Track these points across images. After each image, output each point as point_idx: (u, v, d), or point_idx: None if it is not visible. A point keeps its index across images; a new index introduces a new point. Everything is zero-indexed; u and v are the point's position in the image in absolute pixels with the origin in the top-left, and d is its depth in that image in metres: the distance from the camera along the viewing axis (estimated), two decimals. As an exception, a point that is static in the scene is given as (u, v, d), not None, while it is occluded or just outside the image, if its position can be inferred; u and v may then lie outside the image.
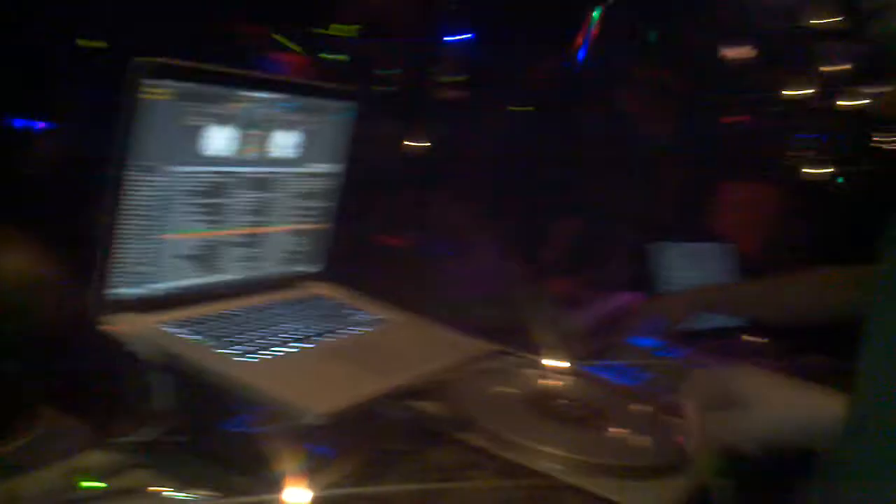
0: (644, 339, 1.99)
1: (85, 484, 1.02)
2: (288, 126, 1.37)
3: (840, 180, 5.33)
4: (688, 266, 2.29)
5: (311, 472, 1.10)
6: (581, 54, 3.77)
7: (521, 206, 3.14)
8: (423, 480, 1.14)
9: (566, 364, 1.70)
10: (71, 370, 1.20)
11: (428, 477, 1.15)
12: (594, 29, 3.73)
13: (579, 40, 3.77)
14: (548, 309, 2.08)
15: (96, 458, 1.09)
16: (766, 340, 2.16)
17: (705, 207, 3.79)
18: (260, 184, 1.35)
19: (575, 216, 3.09)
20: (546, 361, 1.68)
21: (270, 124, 1.34)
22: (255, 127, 1.31)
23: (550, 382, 1.63)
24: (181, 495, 1.01)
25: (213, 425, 1.17)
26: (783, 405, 1.08)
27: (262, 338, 1.22)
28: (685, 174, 4.05)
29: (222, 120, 1.24)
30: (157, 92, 1.12)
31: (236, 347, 1.16)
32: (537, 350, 1.72)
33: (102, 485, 1.01)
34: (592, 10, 3.29)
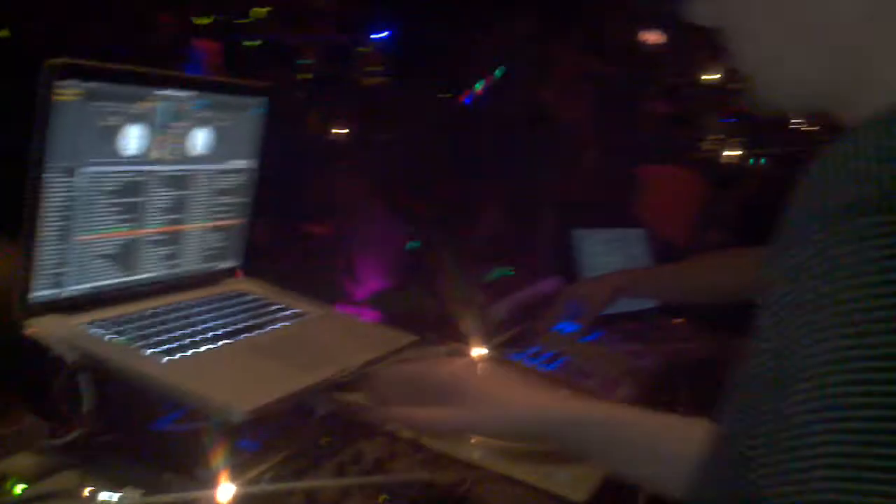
0: (565, 324, 2.03)
1: (15, 488, 1.01)
2: (202, 123, 1.38)
3: (754, 161, 5.47)
4: (608, 252, 2.34)
5: (240, 468, 1.11)
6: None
7: (444, 194, 3.17)
8: (352, 473, 1.15)
9: (487, 351, 1.73)
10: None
11: (356, 469, 1.17)
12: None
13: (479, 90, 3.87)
14: (471, 296, 2.11)
15: (26, 460, 1.09)
16: (681, 321, 2.23)
17: (626, 193, 3.86)
18: (176, 182, 1.36)
19: (497, 203, 3.13)
20: (468, 349, 1.71)
21: (184, 122, 1.34)
22: (169, 125, 1.31)
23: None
24: (112, 496, 1.01)
25: (141, 424, 1.17)
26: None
27: (185, 336, 1.23)
28: (605, 160, 4.12)
29: (136, 119, 1.25)
30: (69, 92, 1.12)
31: (159, 346, 1.17)
32: (459, 338, 1.75)
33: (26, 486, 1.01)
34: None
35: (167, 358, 1.15)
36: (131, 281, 1.31)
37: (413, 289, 2.18)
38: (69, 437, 1.10)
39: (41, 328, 1.14)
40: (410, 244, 3.04)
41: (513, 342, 1.88)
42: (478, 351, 1.71)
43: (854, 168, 0.58)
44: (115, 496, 1.00)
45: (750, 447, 0.55)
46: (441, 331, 1.80)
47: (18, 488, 1.01)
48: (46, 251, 1.15)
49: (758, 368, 0.58)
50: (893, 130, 0.59)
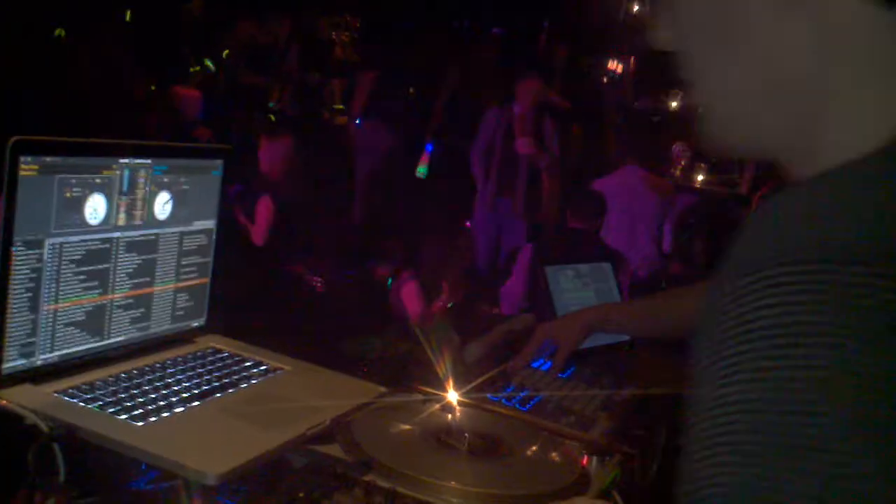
0: (539, 361, 2.04)
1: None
2: (163, 188, 1.40)
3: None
4: (580, 286, 2.36)
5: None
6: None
7: (415, 226, 3.19)
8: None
9: (464, 395, 1.74)
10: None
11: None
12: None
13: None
14: (444, 339, 2.12)
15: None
16: (654, 354, 2.25)
17: (593, 225, 3.90)
18: (142, 246, 1.38)
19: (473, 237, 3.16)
20: (444, 394, 1.72)
21: (146, 188, 1.36)
22: (131, 192, 1.33)
23: (449, 416, 1.67)
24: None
25: (117, 487, 1.18)
26: None
27: (158, 398, 1.24)
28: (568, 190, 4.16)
29: (98, 188, 1.27)
30: (30, 168, 1.14)
31: (133, 411, 1.18)
32: (434, 383, 1.76)
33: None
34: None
35: (140, 423, 1.16)
36: (102, 346, 1.32)
37: (392, 333, 2.19)
38: (48, 504, 1.11)
39: (13, 399, 1.14)
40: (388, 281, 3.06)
41: (490, 383, 1.89)
42: (453, 395, 1.72)
43: (775, 223, 0.61)
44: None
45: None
46: (419, 375, 1.81)
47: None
48: (16, 323, 1.17)
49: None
50: (822, 192, 0.62)
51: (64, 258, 1.22)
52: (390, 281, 2.84)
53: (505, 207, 5.53)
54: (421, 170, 5.93)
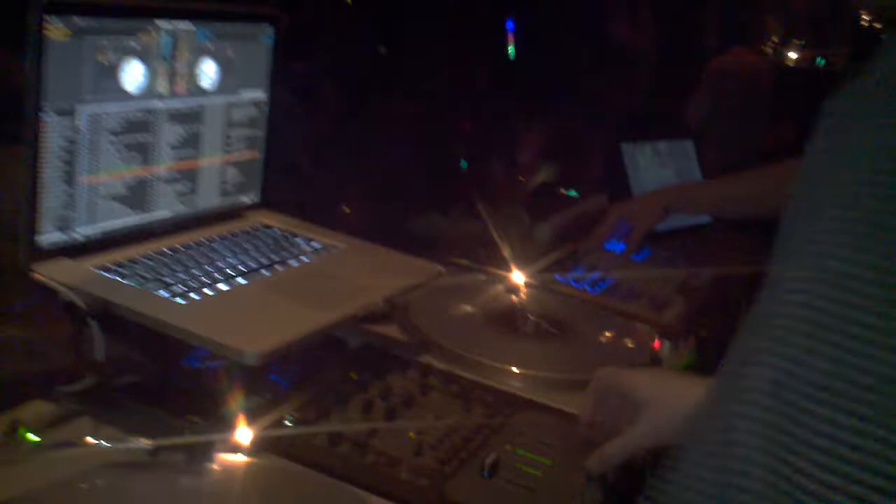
0: (614, 243, 1.96)
1: (28, 435, 0.99)
2: (206, 54, 1.32)
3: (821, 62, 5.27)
4: (658, 165, 2.25)
5: (265, 407, 1.08)
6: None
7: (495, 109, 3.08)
8: (379, 408, 1.11)
9: (530, 277, 1.67)
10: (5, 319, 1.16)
11: (384, 405, 1.13)
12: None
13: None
14: (513, 219, 2.05)
15: (38, 409, 1.06)
16: (738, 236, 2.14)
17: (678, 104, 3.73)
18: (185, 117, 1.31)
19: (548, 118, 3.03)
20: (510, 275, 1.66)
21: (188, 54, 1.28)
22: (171, 58, 1.25)
23: (514, 297, 1.60)
24: (125, 443, 0.98)
25: (158, 368, 1.14)
26: (675, 402, 0.98)
27: (202, 275, 1.19)
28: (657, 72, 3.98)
29: (135, 54, 1.19)
30: (59, 29, 1.07)
31: (174, 288, 1.14)
32: (502, 264, 1.69)
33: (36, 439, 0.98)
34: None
35: (181, 300, 1.11)
36: (146, 221, 1.27)
37: (454, 211, 2.11)
38: (81, 385, 1.08)
39: (49, 274, 1.10)
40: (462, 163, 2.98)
41: (558, 264, 1.82)
42: (518, 276, 1.65)
43: None
44: (128, 446, 0.97)
45: None
46: (485, 256, 1.75)
47: (30, 437, 0.99)
48: (50, 194, 1.12)
49: None
50: None
51: (101, 128, 1.16)
52: (464, 162, 2.75)
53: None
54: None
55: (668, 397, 1.00)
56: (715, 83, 4.59)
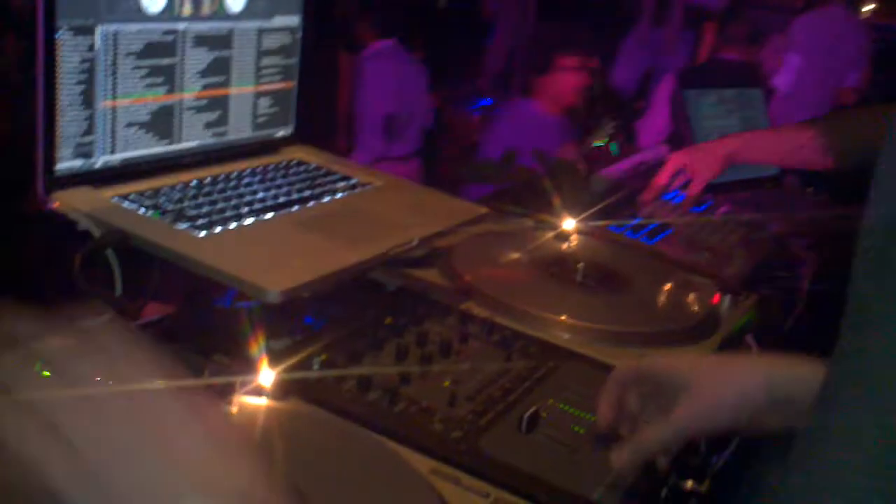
0: (674, 193, 1.86)
1: (43, 370, 0.93)
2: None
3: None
4: (723, 114, 2.13)
5: (293, 349, 1.01)
6: None
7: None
8: (413, 355, 1.04)
9: (583, 225, 1.58)
10: (23, 250, 1.11)
11: (419, 352, 1.05)
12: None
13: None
14: (568, 167, 1.96)
15: (54, 343, 1.00)
16: (805, 189, 2.04)
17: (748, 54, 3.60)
18: (214, 41, 1.23)
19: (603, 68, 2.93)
20: (561, 222, 1.57)
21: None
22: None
23: (564, 245, 1.51)
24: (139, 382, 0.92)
25: (179, 307, 1.08)
26: (718, 390, 0.90)
27: (227, 208, 1.12)
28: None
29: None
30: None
31: (197, 220, 1.06)
32: (553, 211, 1.60)
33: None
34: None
35: (203, 233, 1.05)
36: (172, 151, 1.20)
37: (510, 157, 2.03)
38: (100, 320, 1.02)
39: (66, 202, 1.04)
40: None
41: (614, 212, 1.72)
42: (569, 223, 1.56)
43: None
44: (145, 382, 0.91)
45: None
46: (535, 202, 1.66)
47: (46, 371, 0.93)
48: (68, 118, 1.05)
49: None
50: None
51: (120, 49, 1.08)
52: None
53: (658, 41, 5.24)
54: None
55: (710, 383, 0.91)
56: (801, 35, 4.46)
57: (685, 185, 1.85)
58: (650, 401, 0.94)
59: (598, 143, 2.31)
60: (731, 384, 0.88)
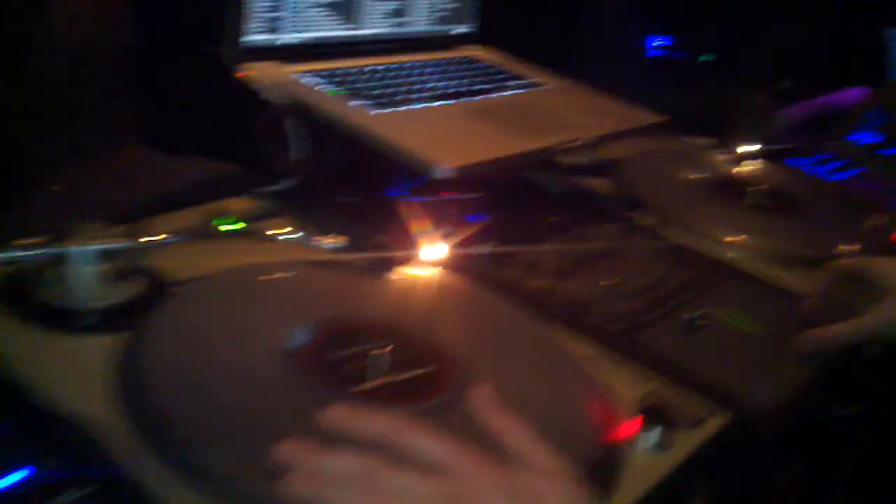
0: (865, 134, 1.77)
1: (221, 225, 0.97)
2: None
3: None
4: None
5: (457, 235, 1.02)
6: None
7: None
8: (580, 252, 1.03)
9: (763, 152, 1.52)
10: (209, 115, 1.15)
11: (579, 251, 1.04)
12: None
13: None
14: (753, 99, 1.88)
15: (240, 204, 1.05)
16: None
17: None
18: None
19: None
20: (740, 146, 1.51)
21: None
22: None
23: (741, 169, 1.46)
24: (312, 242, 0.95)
25: (349, 178, 1.11)
26: None
27: (401, 92, 1.13)
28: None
29: None
30: None
31: (372, 100, 1.08)
32: (732, 136, 1.55)
33: (240, 224, 0.96)
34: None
35: (377, 110, 1.06)
36: (352, 36, 1.21)
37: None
38: (280, 186, 1.06)
39: (252, 72, 1.07)
40: (703, 57, 2.81)
41: (799, 149, 1.65)
42: (748, 147, 1.51)
43: None
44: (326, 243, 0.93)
45: None
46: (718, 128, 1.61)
47: (226, 227, 0.96)
48: (258, -6, 1.08)
49: None
50: None
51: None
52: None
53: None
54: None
55: None
56: None
57: (880, 125, 1.75)
58: (860, 297, 0.92)
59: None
60: None
